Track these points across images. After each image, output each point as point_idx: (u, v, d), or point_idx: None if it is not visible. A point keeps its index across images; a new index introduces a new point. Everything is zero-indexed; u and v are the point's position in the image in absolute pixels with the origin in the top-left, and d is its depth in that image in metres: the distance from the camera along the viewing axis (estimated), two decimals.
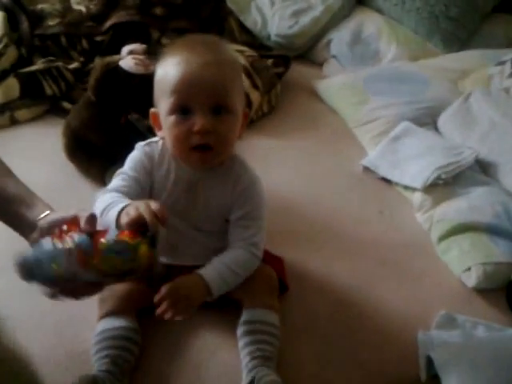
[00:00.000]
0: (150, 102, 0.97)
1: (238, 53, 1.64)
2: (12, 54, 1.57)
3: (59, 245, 0.72)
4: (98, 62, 1.32)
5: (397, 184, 1.39)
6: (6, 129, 1.52)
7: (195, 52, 0.88)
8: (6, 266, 0.76)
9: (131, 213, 0.77)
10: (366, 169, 1.45)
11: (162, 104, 0.89)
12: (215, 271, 0.91)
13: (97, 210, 0.84)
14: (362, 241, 1.24)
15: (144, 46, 1.35)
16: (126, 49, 1.33)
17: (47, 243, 0.72)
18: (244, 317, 0.94)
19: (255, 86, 1.58)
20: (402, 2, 1.92)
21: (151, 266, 0.77)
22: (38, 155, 1.43)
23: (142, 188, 0.94)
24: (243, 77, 1.56)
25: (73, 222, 0.76)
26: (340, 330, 1.03)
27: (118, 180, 0.93)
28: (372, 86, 1.67)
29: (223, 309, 0.99)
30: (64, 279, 0.72)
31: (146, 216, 0.75)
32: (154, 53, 1.53)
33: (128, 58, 1.26)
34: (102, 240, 0.73)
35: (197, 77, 0.85)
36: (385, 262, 1.19)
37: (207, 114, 0.86)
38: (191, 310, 0.88)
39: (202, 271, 0.91)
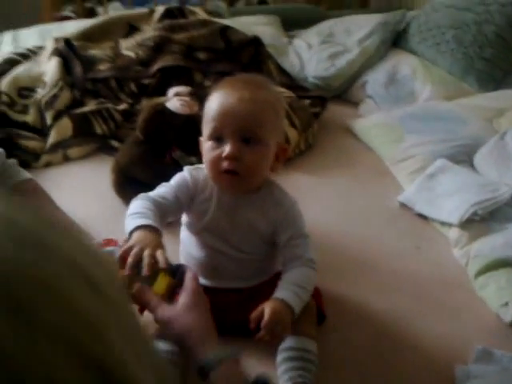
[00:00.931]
0: (193, 141, 1.05)
1: None
2: (66, 96, 1.68)
3: None
4: (146, 104, 1.42)
5: (433, 220, 1.41)
6: (59, 166, 1.62)
7: (235, 88, 0.97)
8: None
9: (134, 249, 0.85)
10: (403, 205, 1.48)
11: (204, 131, 0.98)
12: (291, 292, 0.94)
13: (128, 211, 0.94)
14: (398, 275, 1.25)
15: (189, 88, 1.44)
16: (172, 91, 1.42)
17: None
18: (286, 343, 0.96)
19: (293, 125, 1.65)
20: (437, 43, 1.97)
21: (169, 294, 0.86)
22: (88, 191, 1.52)
23: (179, 206, 1.01)
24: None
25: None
26: (377, 362, 1.04)
27: (159, 190, 1.01)
28: (407, 124, 1.71)
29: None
30: None
31: (144, 260, 0.83)
32: (197, 94, 1.63)
33: (174, 100, 1.35)
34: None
35: (231, 108, 0.94)
36: (421, 296, 1.20)
37: (237, 142, 0.94)
38: (288, 331, 0.92)
39: (280, 294, 0.94)
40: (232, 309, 1.04)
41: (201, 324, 0.86)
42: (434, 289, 1.22)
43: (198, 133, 1.02)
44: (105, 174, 1.46)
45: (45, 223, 0.33)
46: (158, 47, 1.85)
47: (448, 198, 1.41)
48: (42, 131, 1.64)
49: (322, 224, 1.40)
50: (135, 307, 0.87)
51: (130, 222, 0.91)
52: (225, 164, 0.94)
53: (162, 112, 1.34)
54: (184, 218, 1.07)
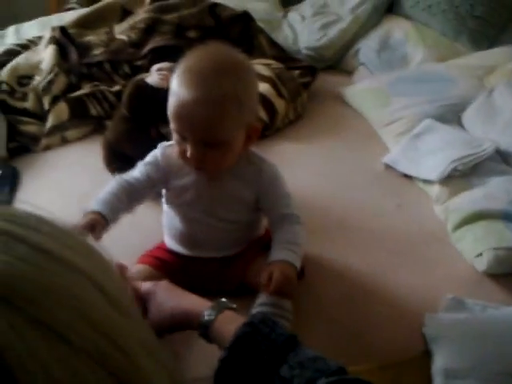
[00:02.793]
0: None
1: (263, 66, 1.74)
2: (62, 81, 1.75)
3: None
4: (130, 81, 1.46)
5: (417, 179, 1.42)
6: (58, 148, 1.69)
7: (193, 81, 0.91)
8: None
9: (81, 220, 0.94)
10: (388, 167, 1.49)
11: (170, 121, 0.97)
12: (289, 251, 0.98)
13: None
14: (377, 233, 1.28)
15: (171, 63, 1.47)
16: (154, 67, 1.46)
17: None
18: (261, 299, 0.99)
19: (280, 95, 1.67)
20: (429, 6, 1.95)
21: None
22: (85, 170, 1.59)
23: (152, 185, 1.05)
24: (268, 87, 1.67)
25: None
26: (349, 316, 1.07)
27: (134, 171, 1.04)
28: (396, 88, 1.71)
29: (239, 296, 1.06)
30: None
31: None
32: None
33: (154, 75, 1.39)
34: None
35: (188, 113, 0.91)
36: (399, 251, 1.22)
37: (198, 146, 0.93)
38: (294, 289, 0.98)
39: (281, 256, 0.98)
40: (211, 277, 1.08)
41: (183, 295, 0.87)
42: (411, 244, 1.24)
43: None
44: (100, 152, 1.52)
45: (61, 238, 0.35)
46: (149, 29, 1.89)
47: (431, 156, 1.41)
48: (40, 116, 1.71)
49: (308, 188, 1.42)
50: None
51: (90, 204, 0.98)
52: (190, 162, 0.96)
53: (143, 87, 1.38)
54: (164, 191, 1.09)
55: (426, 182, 1.38)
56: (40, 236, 0.32)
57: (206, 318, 0.77)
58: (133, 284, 0.89)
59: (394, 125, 1.60)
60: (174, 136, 0.96)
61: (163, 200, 1.10)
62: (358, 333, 1.03)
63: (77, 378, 0.28)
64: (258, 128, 1.02)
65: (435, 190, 1.34)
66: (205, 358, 0.97)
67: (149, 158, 1.06)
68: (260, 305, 1.00)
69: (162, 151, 1.05)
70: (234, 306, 0.82)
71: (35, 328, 0.27)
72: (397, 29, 2.01)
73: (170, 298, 0.85)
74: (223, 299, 0.81)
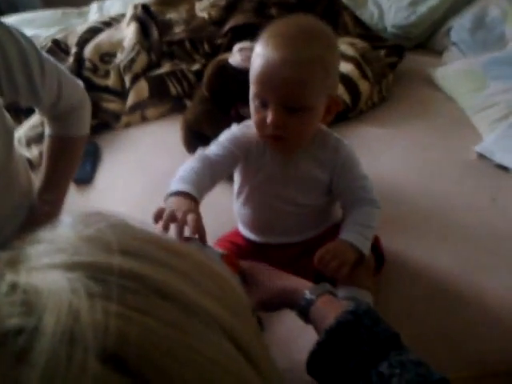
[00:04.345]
0: None
1: (347, 45, 1.66)
2: (143, 59, 1.75)
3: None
4: (212, 61, 1.43)
5: None
6: (138, 125, 1.70)
7: (280, 43, 0.87)
8: None
9: (166, 212, 0.79)
10: (481, 156, 1.38)
11: (250, 88, 0.93)
12: (355, 233, 0.94)
13: (178, 172, 0.92)
14: (468, 229, 1.19)
15: (253, 43, 1.42)
16: (236, 47, 1.42)
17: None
18: (339, 293, 0.94)
19: (365, 77, 1.59)
20: None
21: None
22: (164, 148, 1.59)
23: (235, 160, 0.99)
24: (352, 67, 1.59)
25: None
26: (434, 318, 1.00)
27: (213, 147, 0.98)
28: (492, 70, 1.58)
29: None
30: None
31: (190, 228, 0.78)
32: None
33: (236, 55, 1.35)
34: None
35: (273, 73, 0.86)
36: (493, 251, 1.13)
37: (279, 110, 0.88)
38: (347, 267, 0.91)
39: (344, 236, 0.94)
40: (286, 264, 1.04)
41: (286, 275, 0.84)
42: (507, 243, 1.14)
43: None
44: (178, 132, 1.51)
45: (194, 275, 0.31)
46: (230, 6, 1.85)
47: None
48: (122, 94, 1.73)
49: (392, 177, 1.35)
50: None
51: (172, 185, 0.89)
52: (268, 130, 0.90)
53: (225, 67, 1.35)
54: (236, 175, 1.06)
55: None
56: (176, 279, 0.28)
57: (309, 296, 0.74)
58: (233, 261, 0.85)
59: (489, 110, 1.48)
60: (255, 103, 0.91)
61: (235, 187, 1.07)
62: (446, 335, 0.96)
63: None
64: (338, 101, 0.96)
65: None
66: (287, 350, 0.95)
67: (227, 135, 1.02)
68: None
69: (240, 128, 1.02)
70: (336, 292, 0.78)
71: None
72: (493, 6, 1.85)
73: (277, 276, 0.82)
74: (325, 283, 0.78)
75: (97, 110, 1.66)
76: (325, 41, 0.92)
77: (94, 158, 1.57)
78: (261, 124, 0.91)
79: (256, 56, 0.91)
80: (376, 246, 1.04)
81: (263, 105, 0.90)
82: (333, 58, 0.93)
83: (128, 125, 1.69)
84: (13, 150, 0.94)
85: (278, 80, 0.86)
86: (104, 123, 1.67)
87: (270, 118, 0.88)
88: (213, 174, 0.96)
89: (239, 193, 1.06)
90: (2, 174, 0.90)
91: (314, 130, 0.95)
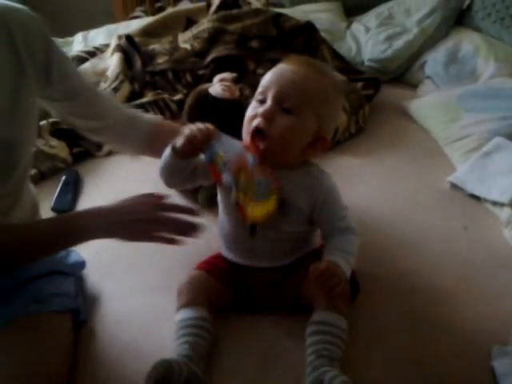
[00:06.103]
0: (237, 125, 1.05)
1: None
2: (126, 88, 1.78)
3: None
4: (193, 91, 1.46)
5: (485, 200, 1.35)
6: (119, 154, 1.70)
7: (291, 64, 1.01)
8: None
9: (185, 132, 0.96)
10: (454, 186, 1.42)
11: (258, 89, 1.02)
12: (340, 257, 0.97)
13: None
14: (440, 256, 1.21)
15: (233, 74, 1.47)
16: (217, 77, 1.46)
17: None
18: (316, 317, 0.97)
19: (342, 108, 1.63)
20: (501, 18, 1.87)
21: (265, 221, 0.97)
22: (146, 177, 1.58)
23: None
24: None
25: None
26: (407, 343, 1.01)
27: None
28: (466, 102, 1.64)
29: (294, 313, 1.03)
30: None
31: (197, 133, 0.95)
32: (249, 82, 1.65)
33: (216, 85, 1.39)
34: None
35: (281, 75, 1.00)
36: (465, 277, 1.15)
37: (274, 105, 0.97)
38: (345, 283, 0.95)
39: (333, 259, 0.96)
40: (266, 287, 1.06)
41: None
42: (478, 270, 1.17)
43: (241, 118, 1.03)
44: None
45: None
46: (213, 38, 1.90)
47: (501, 176, 1.34)
48: None
49: (368, 205, 1.38)
50: None
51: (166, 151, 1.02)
52: (257, 121, 0.98)
53: (205, 97, 1.38)
54: (219, 196, 1.09)
55: (496, 203, 1.31)
56: None
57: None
58: None
59: (462, 141, 1.54)
60: (254, 101, 1.01)
61: (219, 208, 1.09)
62: (418, 361, 0.98)
63: None
64: (326, 141, 1.03)
65: (505, 212, 1.27)
66: None
67: None
68: (315, 323, 0.97)
69: None
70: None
71: None
72: (466, 42, 1.93)
73: None
74: None
75: (78, 138, 1.68)
76: (332, 83, 1.03)
77: (74, 187, 1.57)
78: (251, 118, 1.00)
79: (271, 70, 1.03)
80: (352, 274, 1.06)
81: (261, 102, 0.99)
82: (335, 100, 1.02)
83: (109, 153, 1.70)
84: None
85: (283, 79, 0.99)
86: (85, 151, 1.68)
87: (262, 108, 0.97)
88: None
89: (221, 215, 1.09)
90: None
91: (293, 148, 0.99)
